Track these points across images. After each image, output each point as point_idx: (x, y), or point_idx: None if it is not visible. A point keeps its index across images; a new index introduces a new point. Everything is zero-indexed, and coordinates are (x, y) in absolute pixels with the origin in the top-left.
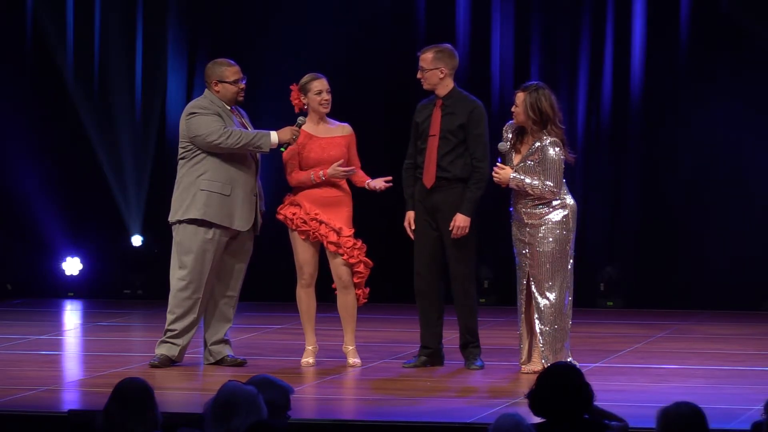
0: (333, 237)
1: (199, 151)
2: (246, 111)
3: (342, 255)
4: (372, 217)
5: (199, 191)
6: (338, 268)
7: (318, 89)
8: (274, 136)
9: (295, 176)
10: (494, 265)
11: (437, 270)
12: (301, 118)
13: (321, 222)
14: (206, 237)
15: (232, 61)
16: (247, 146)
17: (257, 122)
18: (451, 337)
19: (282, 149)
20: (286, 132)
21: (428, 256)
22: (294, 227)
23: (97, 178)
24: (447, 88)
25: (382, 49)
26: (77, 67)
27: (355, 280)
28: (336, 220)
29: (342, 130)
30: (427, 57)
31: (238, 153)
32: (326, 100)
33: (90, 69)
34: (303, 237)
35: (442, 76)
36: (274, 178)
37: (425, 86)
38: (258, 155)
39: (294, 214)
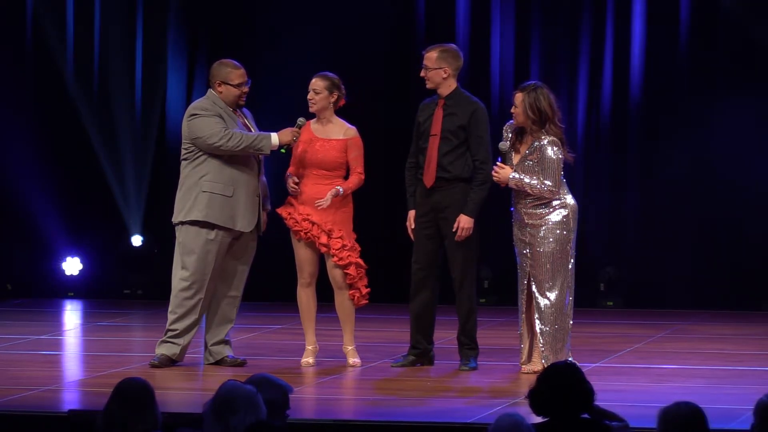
0: (324, 239)
1: (200, 153)
2: (249, 110)
3: (333, 257)
4: (372, 217)
5: (201, 193)
6: (332, 269)
7: (309, 88)
8: (274, 137)
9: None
10: (494, 265)
11: (434, 268)
12: (300, 119)
13: (313, 223)
14: (208, 238)
15: (239, 64)
16: (247, 149)
17: (257, 122)
18: (446, 338)
19: (283, 150)
20: (287, 133)
21: (426, 255)
22: (289, 227)
23: (97, 178)
24: (450, 88)
25: (382, 49)
26: (77, 68)
27: (347, 282)
28: (329, 221)
29: (344, 132)
30: (431, 56)
31: (239, 155)
32: (310, 99)
33: (90, 69)
34: (297, 237)
35: (445, 75)
36: (275, 178)
37: (428, 85)
38: (261, 156)
39: (289, 214)
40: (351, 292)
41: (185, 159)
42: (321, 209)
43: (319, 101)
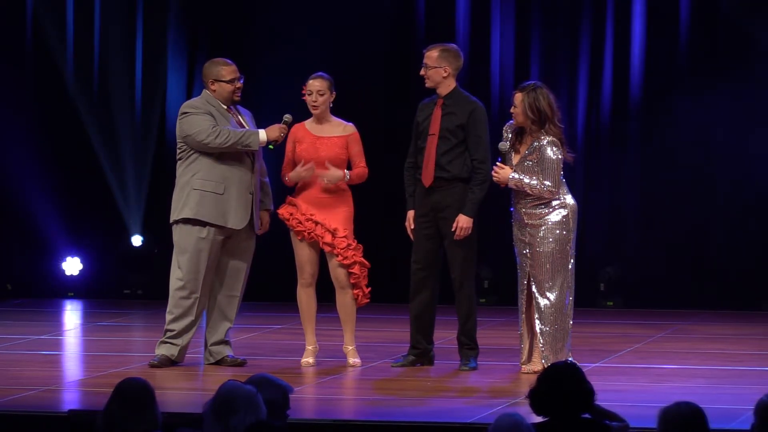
0: (328, 238)
1: (193, 151)
2: (248, 110)
3: (337, 256)
4: (372, 217)
5: (192, 191)
6: (335, 268)
7: (309, 89)
8: (262, 134)
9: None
10: (494, 265)
11: (434, 268)
12: (287, 116)
13: (317, 223)
14: (200, 236)
15: (229, 61)
16: (235, 145)
17: (257, 122)
18: (446, 338)
19: (270, 147)
20: (274, 130)
21: (426, 255)
22: (291, 227)
23: (97, 178)
24: (449, 87)
25: (382, 49)
26: (77, 68)
27: (351, 281)
28: (332, 220)
29: (342, 129)
30: (432, 55)
31: (231, 152)
32: (314, 101)
33: (90, 69)
34: (300, 237)
35: (445, 75)
36: (274, 180)
37: (428, 84)
38: (256, 154)
39: (291, 215)
40: (354, 291)
41: (179, 158)
42: (322, 209)
43: (323, 103)
